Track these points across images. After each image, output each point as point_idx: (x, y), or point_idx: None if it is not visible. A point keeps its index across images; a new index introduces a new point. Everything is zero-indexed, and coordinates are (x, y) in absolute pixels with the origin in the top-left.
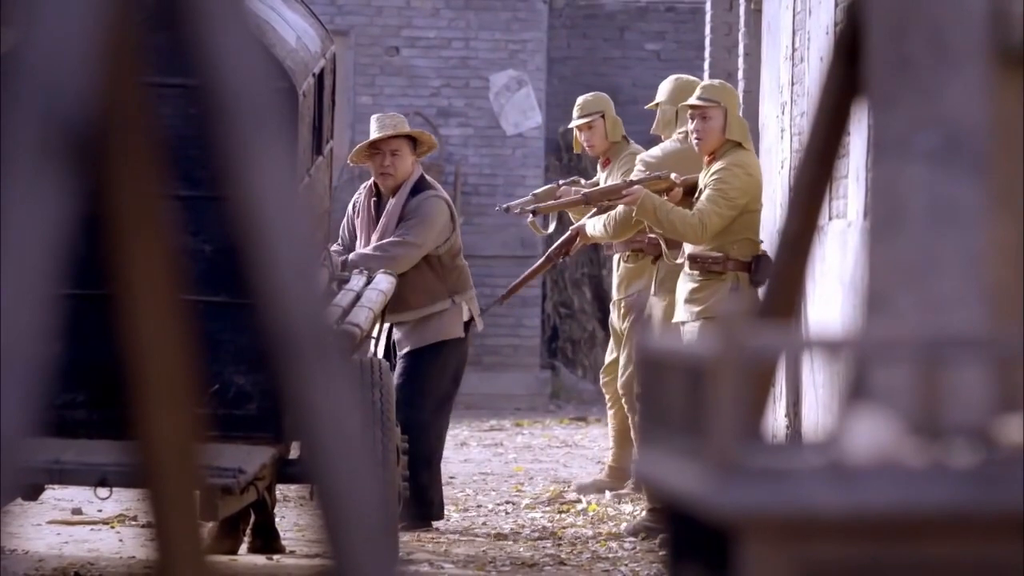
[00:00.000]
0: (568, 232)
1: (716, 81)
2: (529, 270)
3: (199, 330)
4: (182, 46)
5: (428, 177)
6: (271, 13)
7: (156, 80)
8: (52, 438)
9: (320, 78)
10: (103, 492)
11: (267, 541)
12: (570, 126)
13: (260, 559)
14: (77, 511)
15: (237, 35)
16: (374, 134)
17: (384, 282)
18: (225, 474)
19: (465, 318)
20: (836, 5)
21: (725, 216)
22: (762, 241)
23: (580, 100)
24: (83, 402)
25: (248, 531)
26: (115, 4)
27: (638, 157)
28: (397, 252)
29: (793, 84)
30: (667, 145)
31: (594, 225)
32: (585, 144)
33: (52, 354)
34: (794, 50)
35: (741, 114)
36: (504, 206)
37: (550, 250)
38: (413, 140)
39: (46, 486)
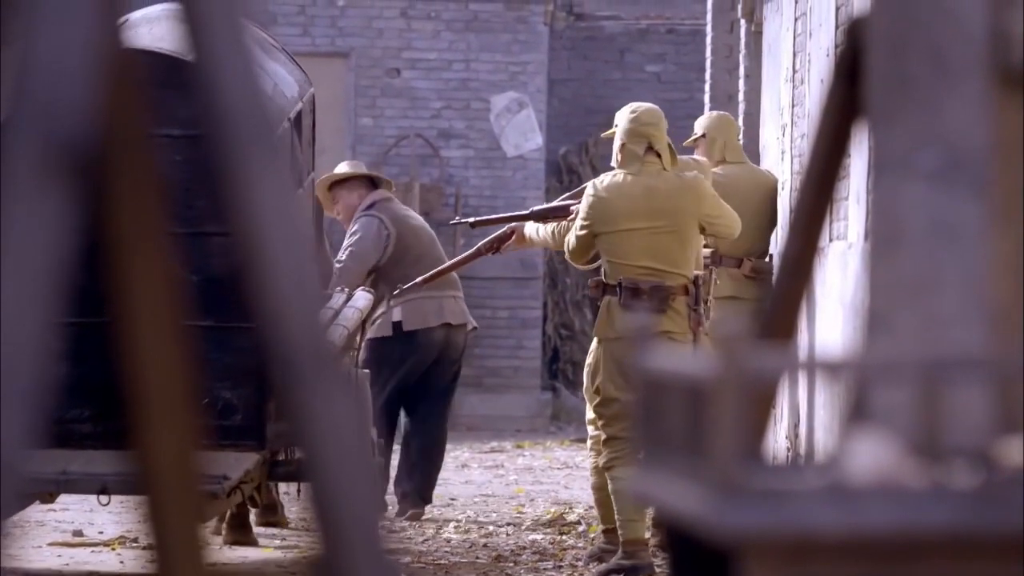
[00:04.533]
0: (504, 228)
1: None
2: (456, 259)
3: (196, 350)
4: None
5: (377, 202)
6: None
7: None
8: (60, 450)
9: (297, 120)
10: (104, 499)
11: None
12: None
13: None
14: (78, 533)
15: (237, 62)
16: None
17: (362, 300)
18: (211, 481)
19: (395, 319)
20: (836, 27)
21: (578, 237)
22: (646, 266)
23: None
24: (88, 416)
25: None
26: (115, 24)
27: (590, 182)
28: (338, 278)
29: (794, 106)
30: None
31: (537, 230)
32: None
33: (58, 373)
34: (795, 72)
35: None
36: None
37: (481, 243)
38: (367, 178)
39: (49, 502)
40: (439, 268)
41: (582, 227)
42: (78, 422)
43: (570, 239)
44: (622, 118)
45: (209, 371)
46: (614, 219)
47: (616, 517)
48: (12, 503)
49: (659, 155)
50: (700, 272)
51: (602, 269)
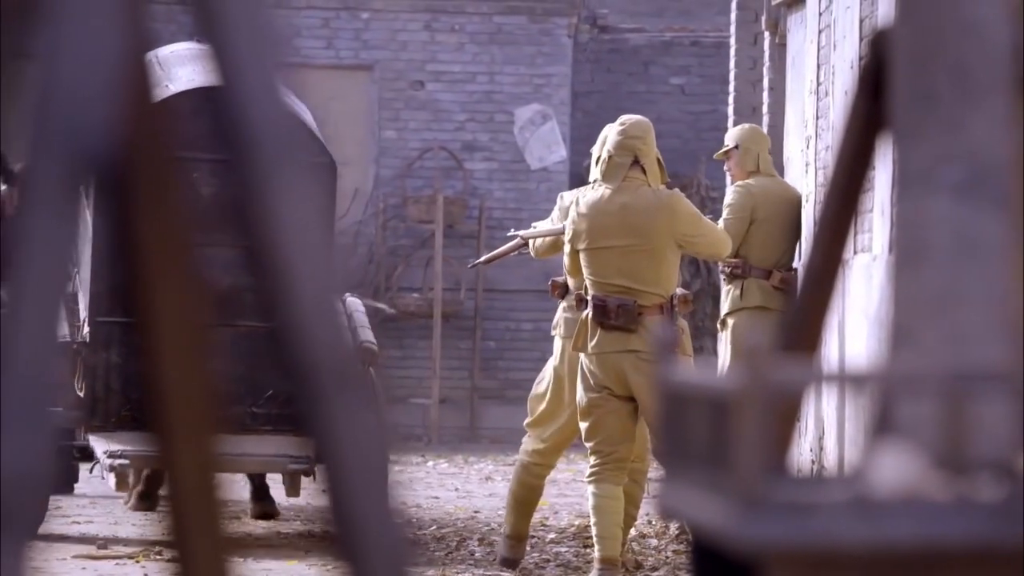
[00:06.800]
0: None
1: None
2: (502, 248)
3: (258, 349)
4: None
5: None
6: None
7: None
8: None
9: None
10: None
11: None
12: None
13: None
14: (103, 545)
15: (263, 75)
16: None
17: (360, 304)
18: (302, 461)
19: None
20: (861, 40)
21: (567, 255)
22: (614, 282)
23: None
24: None
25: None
26: (136, 37)
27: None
28: None
29: (818, 118)
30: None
31: (532, 242)
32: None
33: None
34: (819, 84)
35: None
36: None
37: (521, 234)
38: None
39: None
40: (493, 253)
41: (568, 243)
42: None
43: (564, 260)
44: (610, 131)
45: (275, 367)
46: (591, 236)
47: (593, 533)
48: (23, 524)
49: (644, 170)
50: (680, 291)
51: (583, 284)
